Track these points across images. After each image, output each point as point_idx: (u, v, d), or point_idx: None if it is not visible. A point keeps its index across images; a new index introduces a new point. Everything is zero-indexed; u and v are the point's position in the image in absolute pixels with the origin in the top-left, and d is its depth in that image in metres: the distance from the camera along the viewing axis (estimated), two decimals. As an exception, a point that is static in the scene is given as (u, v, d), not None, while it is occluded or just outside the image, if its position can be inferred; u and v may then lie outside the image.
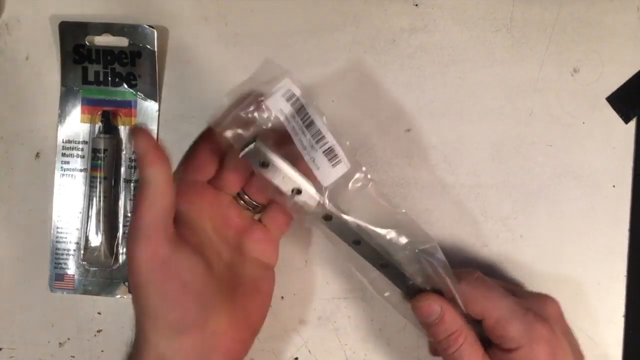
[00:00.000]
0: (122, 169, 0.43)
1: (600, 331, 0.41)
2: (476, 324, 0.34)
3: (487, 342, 0.34)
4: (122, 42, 0.43)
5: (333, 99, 0.43)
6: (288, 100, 0.32)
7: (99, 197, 0.43)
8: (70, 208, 0.44)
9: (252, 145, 0.32)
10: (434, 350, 0.39)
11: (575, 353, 0.35)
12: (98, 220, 0.43)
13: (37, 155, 0.44)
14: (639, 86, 0.42)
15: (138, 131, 0.31)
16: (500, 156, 0.42)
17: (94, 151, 0.43)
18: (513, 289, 0.37)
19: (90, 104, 0.44)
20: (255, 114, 0.32)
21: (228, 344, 0.34)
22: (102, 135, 0.43)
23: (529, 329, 0.33)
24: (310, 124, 0.33)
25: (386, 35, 0.43)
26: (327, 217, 0.34)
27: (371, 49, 0.43)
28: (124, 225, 0.43)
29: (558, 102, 0.42)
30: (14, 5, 0.45)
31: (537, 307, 0.35)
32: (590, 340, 0.41)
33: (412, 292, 0.35)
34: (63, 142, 0.44)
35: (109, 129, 0.43)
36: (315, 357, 0.43)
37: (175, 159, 0.44)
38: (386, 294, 0.36)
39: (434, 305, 0.34)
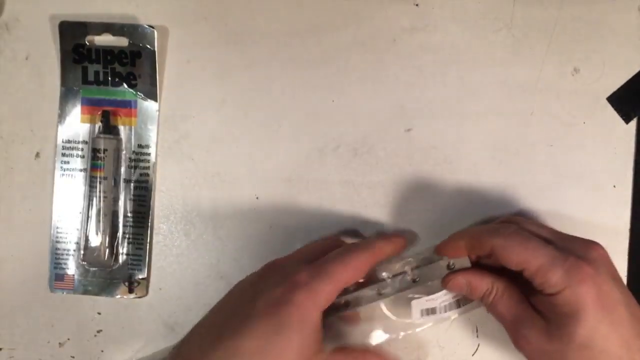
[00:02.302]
0: (122, 169, 0.43)
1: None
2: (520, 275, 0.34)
3: (530, 288, 0.34)
4: (122, 41, 0.43)
5: (333, 99, 0.43)
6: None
7: (99, 197, 0.42)
8: (70, 208, 0.44)
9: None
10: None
11: (624, 295, 0.33)
12: (98, 220, 0.43)
13: (37, 155, 0.44)
14: (640, 86, 0.42)
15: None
16: (500, 156, 0.42)
17: (94, 151, 0.43)
18: (559, 235, 0.36)
19: (90, 104, 0.43)
20: None
21: None
22: (102, 135, 0.43)
23: (571, 271, 0.32)
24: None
25: (386, 35, 0.43)
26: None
27: (371, 49, 0.43)
28: (124, 225, 0.43)
29: (559, 102, 0.42)
30: (14, 5, 0.44)
31: (581, 251, 0.33)
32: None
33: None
34: (63, 142, 0.44)
35: (109, 129, 0.43)
36: (316, 357, 0.43)
37: (174, 158, 0.44)
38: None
39: (459, 279, 0.37)
